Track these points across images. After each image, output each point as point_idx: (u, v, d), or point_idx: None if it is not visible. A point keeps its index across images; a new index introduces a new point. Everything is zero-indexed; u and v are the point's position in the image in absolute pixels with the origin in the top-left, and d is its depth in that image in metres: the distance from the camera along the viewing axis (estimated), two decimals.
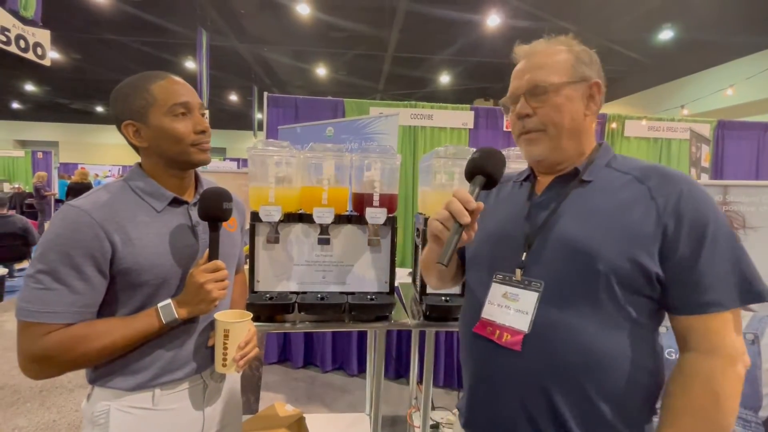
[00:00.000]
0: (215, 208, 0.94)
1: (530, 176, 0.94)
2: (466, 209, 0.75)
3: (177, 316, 0.90)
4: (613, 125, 4.15)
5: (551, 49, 0.85)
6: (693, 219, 0.72)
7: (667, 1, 5.41)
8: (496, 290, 0.84)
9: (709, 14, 5.65)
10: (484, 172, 0.81)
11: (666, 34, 6.38)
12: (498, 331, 0.80)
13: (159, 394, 0.92)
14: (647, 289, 0.74)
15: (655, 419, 0.78)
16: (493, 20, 5.96)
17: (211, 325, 1.01)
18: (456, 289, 1.63)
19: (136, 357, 0.90)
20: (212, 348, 1.00)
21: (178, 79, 0.96)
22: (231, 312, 1.04)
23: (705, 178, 3.39)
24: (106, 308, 0.89)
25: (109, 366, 0.89)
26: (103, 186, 0.94)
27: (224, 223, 1.02)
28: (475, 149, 0.88)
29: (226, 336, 0.96)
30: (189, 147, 0.94)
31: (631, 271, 0.72)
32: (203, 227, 0.99)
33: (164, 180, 0.97)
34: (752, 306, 1.73)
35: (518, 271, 0.81)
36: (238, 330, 0.97)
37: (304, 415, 1.77)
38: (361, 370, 3.13)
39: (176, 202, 0.98)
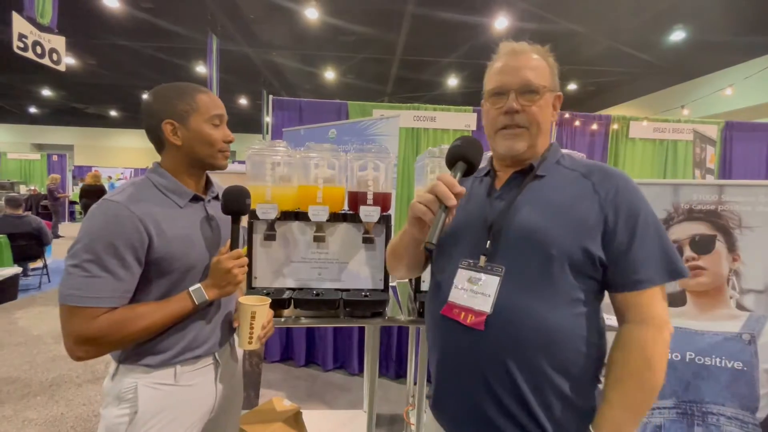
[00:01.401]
0: (238, 204, 1.07)
1: (490, 172, 1.01)
2: (452, 192, 0.80)
3: (207, 297, 1.01)
4: (615, 126, 4.13)
5: (536, 53, 0.92)
6: (628, 210, 0.82)
7: (676, 4, 5.37)
8: (462, 275, 0.90)
9: (719, 16, 5.59)
10: (465, 158, 0.86)
11: (676, 36, 6.33)
12: (463, 313, 0.86)
13: (180, 370, 1.03)
14: (592, 271, 0.83)
15: (599, 387, 0.88)
16: (500, 23, 5.97)
17: (225, 309, 1.15)
18: None
19: (163, 337, 1.01)
20: (226, 329, 1.15)
21: (215, 95, 1.12)
22: (251, 297, 1.17)
23: (710, 180, 3.36)
24: (140, 293, 0.99)
25: (137, 347, 0.99)
26: (130, 183, 1.03)
27: None
28: (456, 138, 0.93)
29: (252, 317, 1.09)
30: (217, 152, 1.08)
31: (581, 256, 0.81)
32: (218, 221, 1.13)
33: (183, 178, 1.08)
34: (749, 306, 1.72)
35: (482, 258, 0.87)
36: (262, 312, 1.11)
37: (303, 411, 1.80)
38: (362, 369, 3.16)
39: (195, 199, 1.09)
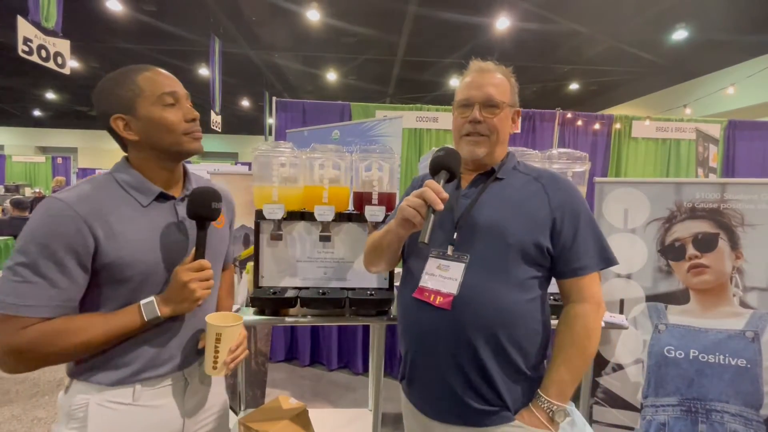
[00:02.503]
0: (204, 208, 0.92)
1: None
2: (438, 197, 0.90)
3: (159, 313, 0.88)
4: (617, 125, 4.14)
5: (500, 73, 1.08)
6: (571, 210, 0.99)
7: (678, 3, 5.36)
8: (432, 263, 1.02)
9: (721, 15, 5.58)
10: (448, 168, 0.97)
11: (678, 35, 6.32)
12: (433, 295, 0.98)
13: (140, 389, 0.91)
14: (541, 259, 0.98)
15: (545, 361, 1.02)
16: (502, 23, 5.97)
17: (195, 323, 1.00)
18: None
19: (119, 352, 0.89)
20: (195, 345, 1.00)
21: (162, 70, 0.95)
22: (222, 314, 1.03)
23: (713, 178, 3.36)
24: (90, 303, 0.87)
25: (90, 360, 0.88)
26: (87, 179, 0.91)
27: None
28: (439, 147, 1.04)
29: (218, 340, 0.95)
30: (181, 136, 0.93)
31: (532, 246, 0.96)
32: (190, 223, 0.97)
33: (153, 173, 0.95)
34: (752, 303, 1.73)
35: (450, 248, 1.00)
36: (230, 334, 0.96)
37: (308, 409, 1.81)
38: (366, 368, 3.17)
39: (163, 197, 0.95)
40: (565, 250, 0.98)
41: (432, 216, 0.89)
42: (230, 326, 0.96)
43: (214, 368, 0.96)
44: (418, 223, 0.92)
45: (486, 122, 1.03)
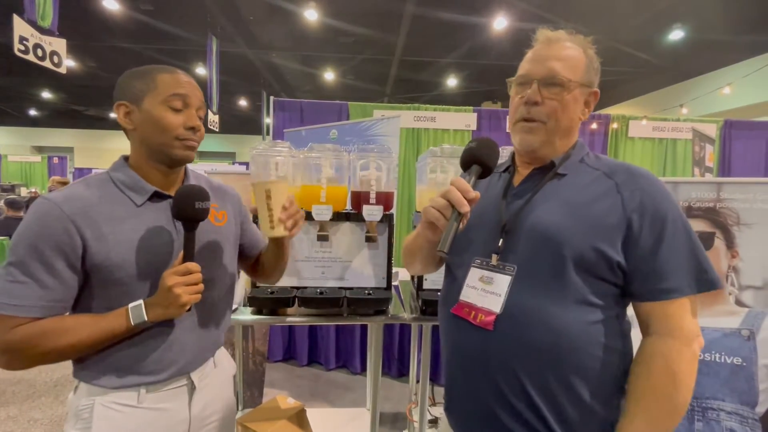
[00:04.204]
0: (187, 208, 0.88)
1: (510, 167, 0.98)
2: (465, 198, 0.77)
3: (146, 318, 0.85)
4: (614, 125, 4.15)
5: (572, 44, 0.87)
6: (653, 213, 0.77)
7: (675, 3, 5.38)
8: (474, 274, 0.88)
9: (717, 15, 5.60)
10: (480, 161, 0.82)
11: (674, 35, 6.33)
12: (474, 312, 0.85)
13: (144, 393, 0.91)
14: (609, 275, 0.78)
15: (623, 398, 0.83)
16: (500, 23, 5.98)
17: (199, 325, 0.99)
18: None
19: (120, 357, 0.88)
20: (200, 347, 0.99)
21: (186, 76, 0.95)
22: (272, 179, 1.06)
23: (709, 177, 3.38)
24: (83, 304, 0.87)
25: (92, 364, 0.88)
26: (83, 178, 0.92)
27: (211, 218, 1.01)
28: (471, 139, 0.89)
29: (268, 197, 0.96)
30: (174, 140, 0.90)
31: (593, 258, 0.77)
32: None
33: (147, 172, 0.93)
34: (747, 302, 1.73)
35: (494, 256, 0.85)
36: (278, 189, 0.97)
37: (306, 409, 1.81)
38: (364, 368, 3.17)
39: (158, 197, 0.93)
40: (642, 264, 0.77)
41: (456, 222, 0.76)
42: (275, 181, 0.99)
43: (272, 228, 0.98)
44: (442, 227, 0.78)
45: (545, 104, 0.84)
